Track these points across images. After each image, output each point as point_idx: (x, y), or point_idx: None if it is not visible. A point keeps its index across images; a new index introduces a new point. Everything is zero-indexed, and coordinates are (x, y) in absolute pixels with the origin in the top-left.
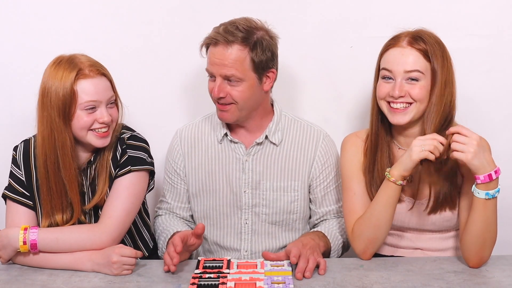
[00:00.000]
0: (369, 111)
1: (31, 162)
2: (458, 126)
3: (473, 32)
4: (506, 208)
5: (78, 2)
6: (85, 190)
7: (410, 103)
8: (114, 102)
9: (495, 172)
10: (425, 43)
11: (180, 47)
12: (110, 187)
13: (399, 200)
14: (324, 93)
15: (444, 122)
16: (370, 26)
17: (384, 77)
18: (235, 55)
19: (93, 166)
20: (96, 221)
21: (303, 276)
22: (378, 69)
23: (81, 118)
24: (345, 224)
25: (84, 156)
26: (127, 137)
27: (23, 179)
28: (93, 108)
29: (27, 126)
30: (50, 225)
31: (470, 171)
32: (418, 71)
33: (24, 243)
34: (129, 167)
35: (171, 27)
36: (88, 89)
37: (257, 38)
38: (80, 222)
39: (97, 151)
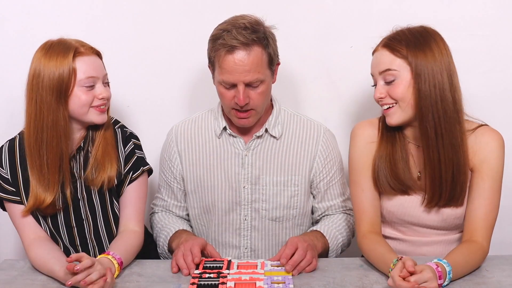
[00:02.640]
0: (368, 110)
1: (17, 158)
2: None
3: (473, 32)
4: (506, 208)
5: (79, 1)
6: (77, 177)
7: (395, 103)
8: (107, 82)
9: None
10: (398, 40)
11: (180, 46)
12: (119, 166)
13: (409, 194)
14: (324, 93)
15: (426, 113)
16: (370, 26)
17: (373, 83)
18: (256, 57)
19: (86, 151)
20: (93, 224)
21: (292, 271)
22: None
23: (80, 96)
24: (354, 222)
25: (75, 141)
26: (128, 135)
27: (8, 177)
28: (92, 86)
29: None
30: (34, 205)
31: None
32: (389, 69)
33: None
34: (141, 168)
35: (170, 26)
36: (86, 66)
37: (265, 32)
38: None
39: (85, 139)
